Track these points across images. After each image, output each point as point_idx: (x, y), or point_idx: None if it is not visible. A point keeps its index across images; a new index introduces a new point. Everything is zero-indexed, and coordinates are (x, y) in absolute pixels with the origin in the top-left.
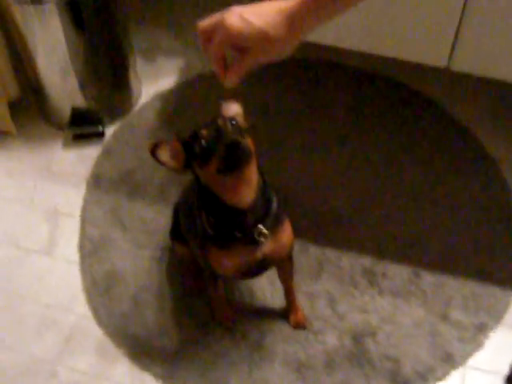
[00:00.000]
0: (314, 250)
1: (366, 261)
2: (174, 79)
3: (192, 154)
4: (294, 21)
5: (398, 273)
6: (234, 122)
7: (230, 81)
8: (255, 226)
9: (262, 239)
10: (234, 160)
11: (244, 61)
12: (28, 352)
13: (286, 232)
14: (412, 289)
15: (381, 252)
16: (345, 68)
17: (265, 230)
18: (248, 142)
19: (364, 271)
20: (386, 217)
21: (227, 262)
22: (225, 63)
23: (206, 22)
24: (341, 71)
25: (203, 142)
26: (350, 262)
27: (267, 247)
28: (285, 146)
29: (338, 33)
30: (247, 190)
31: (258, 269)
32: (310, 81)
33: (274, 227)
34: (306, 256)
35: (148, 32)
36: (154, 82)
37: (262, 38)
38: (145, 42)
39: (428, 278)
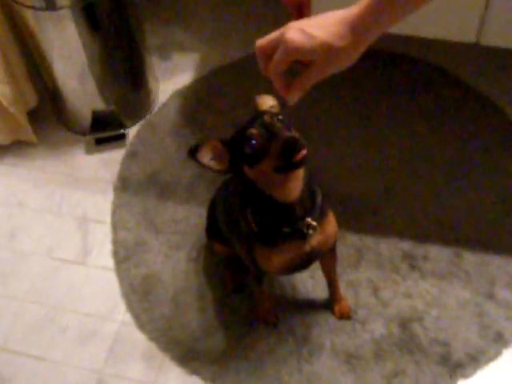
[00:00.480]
0: (351, 238)
1: (405, 245)
2: (190, 75)
3: (239, 153)
4: (359, 29)
5: (438, 255)
6: (280, 118)
7: (294, 97)
8: (303, 219)
9: (311, 232)
10: (291, 158)
11: (308, 75)
12: (73, 363)
13: (332, 222)
14: (454, 270)
15: (419, 235)
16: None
17: (313, 223)
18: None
19: (404, 256)
20: (421, 199)
21: (276, 259)
22: (287, 79)
23: (263, 40)
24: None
25: (254, 141)
26: (389, 247)
27: (315, 240)
28: (312, 132)
29: None
30: (297, 185)
31: (304, 263)
32: None
33: (320, 219)
34: (345, 245)
35: (161, 28)
36: (170, 79)
37: (327, 50)
38: (158, 38)
39: (470, 258)
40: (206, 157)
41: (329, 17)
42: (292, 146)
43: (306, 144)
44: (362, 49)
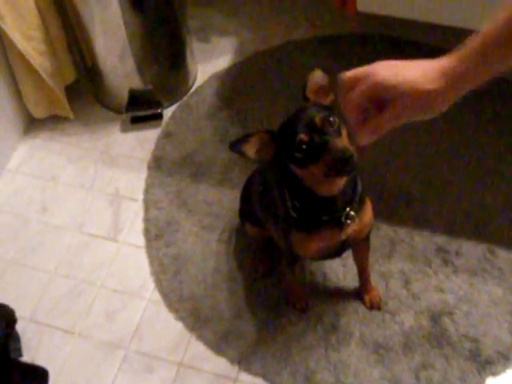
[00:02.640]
0: (385, 230)
1: (439, 239)
2: (229, 58)
3: (287, 153)
4: (450, 75)
5: (472, 250)
6: (331, 120)
7: (364, 138)
8: (343, 209)
9: (349, 221)
10: (342, 170)
11: (384, 117)
12: (98, 338)
13: (368, 212)
14: (487, 267)
15: (453, 230)
16: (398, 40)
17: (352, 213)
18: (347, 143)
19: (437, 250)
20: (457, 194)
21: (311, 245)
22: (362, 116)
23: (351, 72)
24: (395, 44)
25: (304, 146)
26: (423, 240)
27: (351, 228)
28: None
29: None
30: (341, 182)
31: (338, 250)
32: (368, 55)
33: (358, 208)
34: (378, 235)
35: (200, 11)
36: (209, 62)
37: (414, 91)
38: (198, 21)
39: (504, 255)
40: (252, 149)
41: (421, 62)
42: (342, 161)
43: (354, 157)
44: (453, 97)
